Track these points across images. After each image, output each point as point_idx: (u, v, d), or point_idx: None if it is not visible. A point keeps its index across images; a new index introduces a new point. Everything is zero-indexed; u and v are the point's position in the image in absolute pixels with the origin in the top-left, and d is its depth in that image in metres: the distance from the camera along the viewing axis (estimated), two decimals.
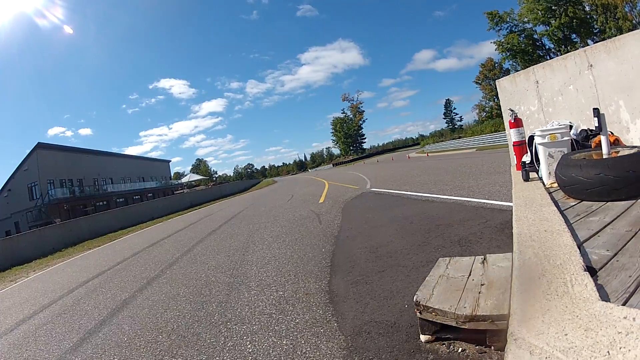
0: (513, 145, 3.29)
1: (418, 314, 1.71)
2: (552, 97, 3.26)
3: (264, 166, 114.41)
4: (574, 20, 29.99)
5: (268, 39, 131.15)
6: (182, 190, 43.39)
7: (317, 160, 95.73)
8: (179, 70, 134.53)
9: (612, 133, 2.53)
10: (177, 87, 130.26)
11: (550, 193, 2.20)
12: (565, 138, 2.42)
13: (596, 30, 29.99)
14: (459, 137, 36.03)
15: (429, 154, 27.64)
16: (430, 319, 1.66)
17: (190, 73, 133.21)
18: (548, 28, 32.14)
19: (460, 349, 1.62)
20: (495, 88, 4.50)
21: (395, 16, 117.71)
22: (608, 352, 0.73)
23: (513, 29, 35.14)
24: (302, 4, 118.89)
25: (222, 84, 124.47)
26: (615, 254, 1.20)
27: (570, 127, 2.64)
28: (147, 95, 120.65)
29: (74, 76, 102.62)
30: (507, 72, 35.82)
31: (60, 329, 3.46)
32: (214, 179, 74.68)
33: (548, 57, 30.79)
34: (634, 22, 26.16)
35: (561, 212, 1.75)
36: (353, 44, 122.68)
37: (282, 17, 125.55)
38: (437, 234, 3.67)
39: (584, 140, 2.61)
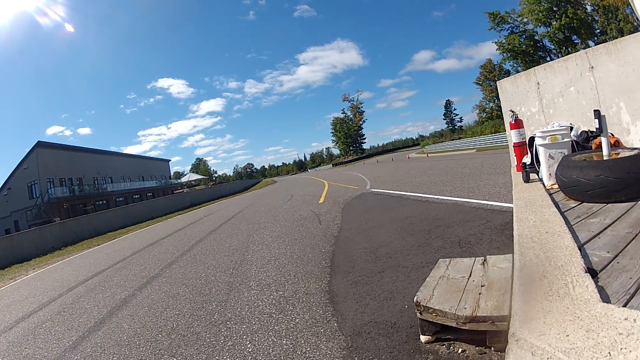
0: (513, 146, 3.29)
1: (418, 314, 1.71)
2: (553, 99, 3.27)
3: (263, 166, 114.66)
4: (575, 21, 29.99)
5: (265, 39, 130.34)
6: (181, 190, 43.37)
7: (317, 160, 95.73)
8: (177, 70, 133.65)
9: (612, 135, 2.54)
10: (176, 86, 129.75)
11: (550, 194, 2.21)
12: (565, 139, 2.42)
13: (597, 32, 30.01)
14: (459, 138, 36.02)
15: (428, 155, 27.63)
16: (431, 320, 1.66)
17: (188, 73, 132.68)
18: (549, 29, 32.13)
19: (460, 349, 1.62)
20: (496, 89, 4.51)
21: (393, 17, 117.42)
22: (609, 353, 0.73)
23: (514, 29, 35.14)
24: (299, 5, 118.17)
25: (221, 83, 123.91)
26: (616, 256, 1.21)
27: (571, 128, 2.64)
28: (146, 95, 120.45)
29: (73, 75, 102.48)
30: (507, 73, 35.80)
31: (60, 327, 3.46)
32: (214, 178, 74.71)
33: (549, 59, 30.81)
34: (635, 24, 26.15)
35: (562, 213, 1.76)
36: (352, 44, 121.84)
37: (279, 17, 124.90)
38: (437, 234, 3.67)
39: (584, 142, 2.62)
